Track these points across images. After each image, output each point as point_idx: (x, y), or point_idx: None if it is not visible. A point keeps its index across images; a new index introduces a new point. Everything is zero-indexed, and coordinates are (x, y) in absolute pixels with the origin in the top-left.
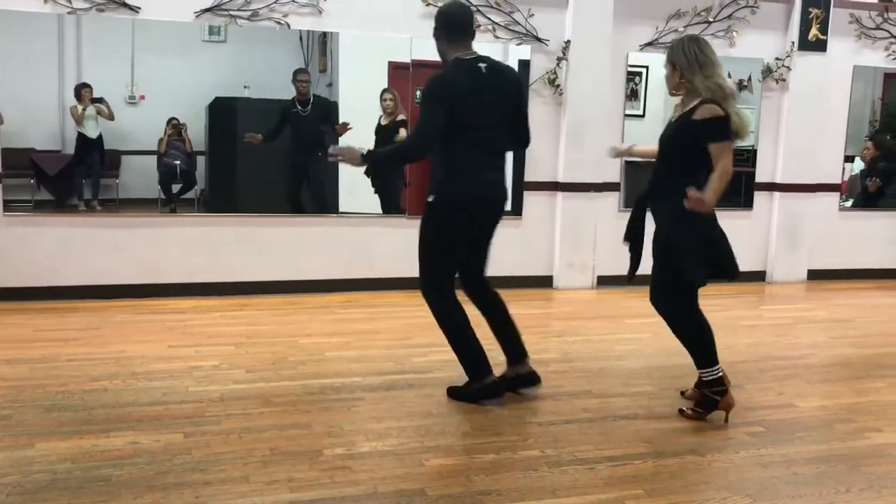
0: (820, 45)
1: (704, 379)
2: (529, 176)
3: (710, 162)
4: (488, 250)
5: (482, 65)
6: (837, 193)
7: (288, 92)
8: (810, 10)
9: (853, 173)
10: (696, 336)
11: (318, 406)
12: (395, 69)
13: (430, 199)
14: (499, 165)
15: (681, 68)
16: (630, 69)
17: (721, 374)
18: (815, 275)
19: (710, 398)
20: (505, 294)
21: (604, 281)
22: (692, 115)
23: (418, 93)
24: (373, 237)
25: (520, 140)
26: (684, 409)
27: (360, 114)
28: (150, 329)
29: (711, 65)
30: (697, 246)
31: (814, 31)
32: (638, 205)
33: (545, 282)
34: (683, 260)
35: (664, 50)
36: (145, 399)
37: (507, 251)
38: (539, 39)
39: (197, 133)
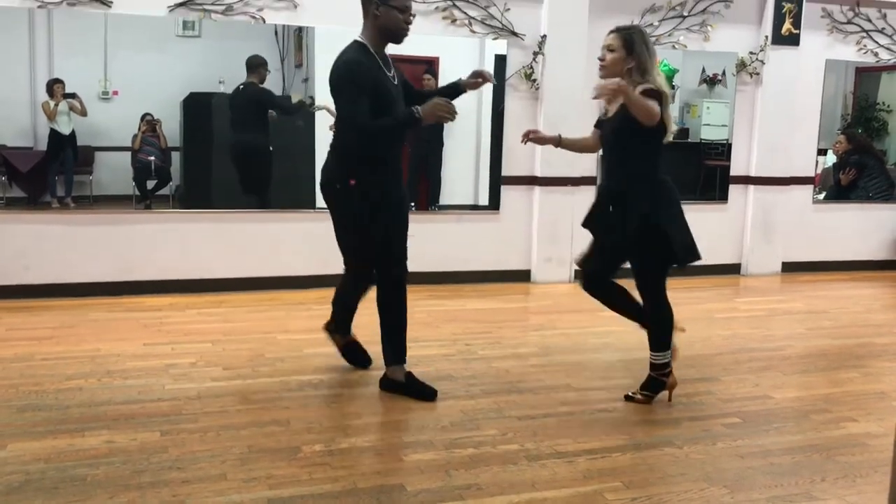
0: (793, 40)
1: (657, 362)
2: (507, 170)
3: (657, 140)
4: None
5: None
6: (811, 186)
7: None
8: (783, 4)
9: (826, 166)
10: (667, 318)
11: (297, 403)
12: None
13: None
14: (332, 145)
15: (638, 58)
16: None
17: (670, 357)
18: (789, 267)
19: (657, 381)
20: (483, 289)
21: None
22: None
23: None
24: None
25: None
26: (632, 394)
27: None
28: (126, 327)
29: (654, 63)
30: (684, 225)
31: (787, 26)
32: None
33: (523, 276)
34: (675, 241)
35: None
36: (121, 398)
37: (485, 246)
38: (515, 34)
39: (172, 129)
